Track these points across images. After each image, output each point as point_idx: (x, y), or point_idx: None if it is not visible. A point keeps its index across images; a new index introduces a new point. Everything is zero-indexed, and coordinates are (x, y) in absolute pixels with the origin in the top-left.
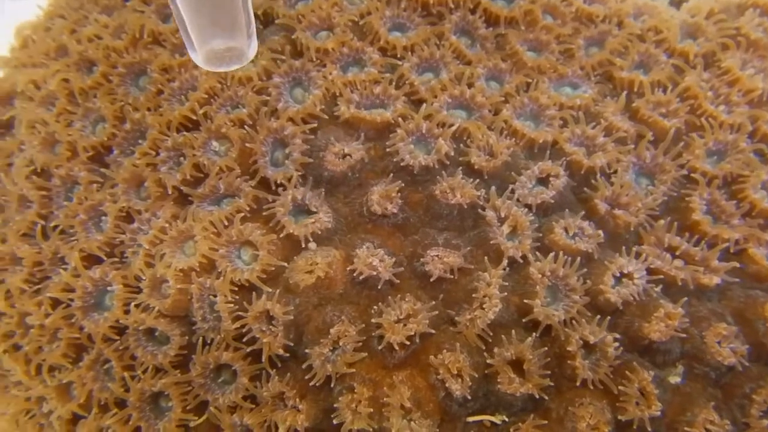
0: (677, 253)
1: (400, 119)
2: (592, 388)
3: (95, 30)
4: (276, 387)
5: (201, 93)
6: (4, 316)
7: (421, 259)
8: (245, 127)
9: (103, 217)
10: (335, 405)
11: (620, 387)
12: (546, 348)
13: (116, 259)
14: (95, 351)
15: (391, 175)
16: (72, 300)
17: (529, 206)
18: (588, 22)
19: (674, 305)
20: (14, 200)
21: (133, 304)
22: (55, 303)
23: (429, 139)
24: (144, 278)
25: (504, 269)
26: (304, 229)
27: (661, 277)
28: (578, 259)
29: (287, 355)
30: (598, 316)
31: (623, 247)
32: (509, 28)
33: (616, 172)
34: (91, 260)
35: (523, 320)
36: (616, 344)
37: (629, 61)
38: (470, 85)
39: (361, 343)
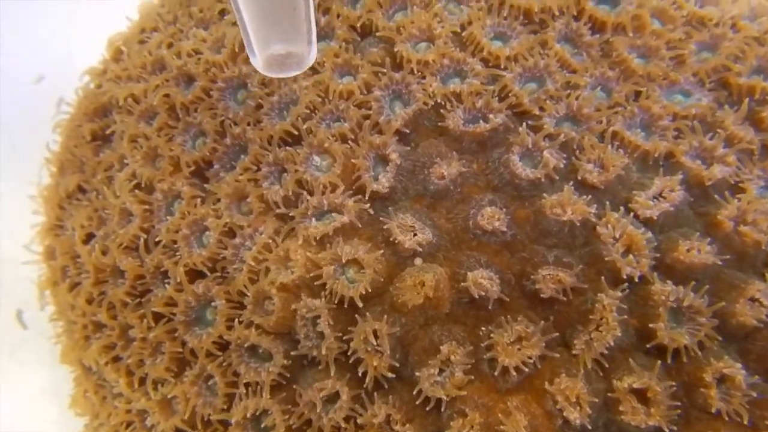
0: None
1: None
2: (727, 419)
3: (194, 45)
4: (382, 409)
5: (302, 107)
6: (106, 328)
7: (531, 277)
8: (348, 141)
9: (206, 232)
10: (445, 430)
11: (761, 421)
12: (672, 375)
13: (218, 274)
14: (198, 366)
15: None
16: (174, 314)
17: (645, 221)
18: (700, 26)
19: None
20: (116, 213)
21: (237, 320)
22: (157, 317)
23: (535, 152)
24: (248, 294)
25: (623, 291)
26: (409, 243)
27: None
28: (704, 280)
29: (393, 375)
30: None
31: (752, 268)
32: (616, 34)
33: (740, 186)
34: (193, 275)
35: (647, 345)
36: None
37: (747, 66)
38: (577, 96)
39: (470, 365)
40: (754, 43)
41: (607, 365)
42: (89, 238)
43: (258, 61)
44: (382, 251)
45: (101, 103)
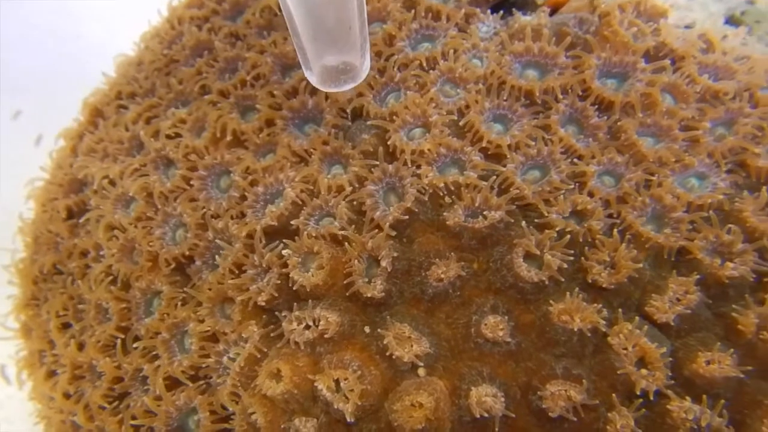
0: None
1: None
2: None
3: (173, 127)
4: None
5: (288, 203)
6: (83, 430)
7: (539, 393)
8: (342, 238)
9: (187, 335)
10: None
11: None
12: None
13: (202, 382)
14: None
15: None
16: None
17: (661, 327)
18: (715, 101)
19: None
20: (92, 308)
21: None
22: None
23: (541, 250)
24: (229, 409)
25: (639, 410)
26: (408, 357)
27: None
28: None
29: None
30: None
31: None
32: (624, 114)
33: (765, 281)
34: (175, 380)
35: None
36: None
37: (766, 146)
38: (582, 185)
39: None
40: None
41: None
42: (65, 326)
43: (312, 75)
44: (373, 371)
45: (76, 177)
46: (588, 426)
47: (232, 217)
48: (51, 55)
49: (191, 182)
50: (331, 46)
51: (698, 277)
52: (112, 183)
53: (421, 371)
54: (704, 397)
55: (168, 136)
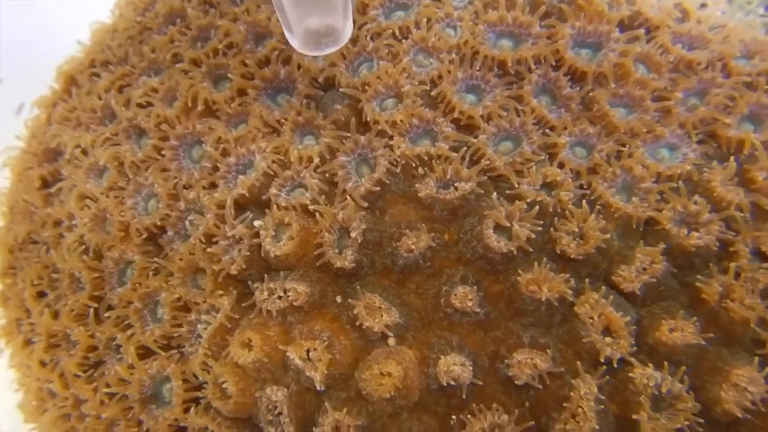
0: None
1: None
2: None
3: (144, 95)
4: None
5: (259, 173)
6: (59, 398)
7: (506, 361)
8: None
9: (159, 305)
10: None
11: None
12: None
13: (175, 351)
14: None
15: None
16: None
17: (627, 296)
18: (688, 71)
19: None
20: (66, 277)
21: (194, 406)
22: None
23: (510, 222)
24: (200, 377)
25: (603, 377)
26: (378, 327)
27: None
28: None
29: None
30: None
31: (739, 345)
32: (597, 84)
33: (730, 251)
34: (148, 349)
35: None
36: None
37: (737, 116)
38: (553, 156)
39: None
40: (744, 89)
41: None
42: (40, 295)
43: (294, 39)
44: (343, 341)
45: (50, 146)
46: (553, 393)
47: (204, 188)
48: (32, 23)
49: (163, 152)
50: (313, 7)
51: (664, 246)
52: (85, 152)
53: (391, 341)
54: (665, 363)
55: (140, 105)
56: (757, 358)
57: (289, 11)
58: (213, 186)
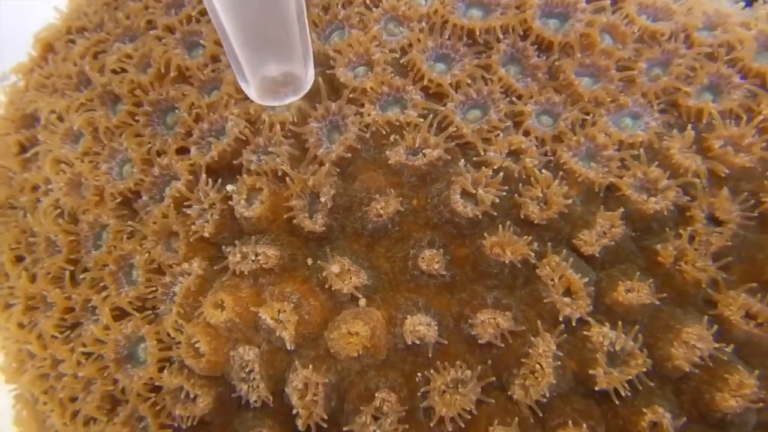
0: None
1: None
2: None
3: (118, 62)
4: None
5: (230, 140)
6: (37, 359)
7: (470, 321)
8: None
9: (134, 267)
10: None
11: None
12: (607, 418)
13: (149, 312)
14: (130, 406)
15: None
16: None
17: (587, 259)
18: (652, 42)
19: (749, 371)
20: (42, 240)
21: (168, 365)
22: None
23: (476, 188)
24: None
25: (561, 335)
26: (348, 288)
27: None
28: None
29: (325, 425)
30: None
31: (692, 305)
32: (564, 54)
33: (687, 215)
34: (123, 310)
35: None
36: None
37: (697, 86)
38: (519, 123)
39: (405, 413)
40: (705, 60)
41: (542, 414)
42: (19, 259)
43: (250, 88)
44: (312, 302)
45: (27, 113)
46: (514, 351)
47: (176, 153)
48: None
49: (137, 118)
50: (270, 54)
51: (624, 211)
52: (60, 118)
53: (362, 302)
54: (620, 323)
55: (114, 71)
56: (706, 317)
57: (243, 58)
58: (186, 152)
